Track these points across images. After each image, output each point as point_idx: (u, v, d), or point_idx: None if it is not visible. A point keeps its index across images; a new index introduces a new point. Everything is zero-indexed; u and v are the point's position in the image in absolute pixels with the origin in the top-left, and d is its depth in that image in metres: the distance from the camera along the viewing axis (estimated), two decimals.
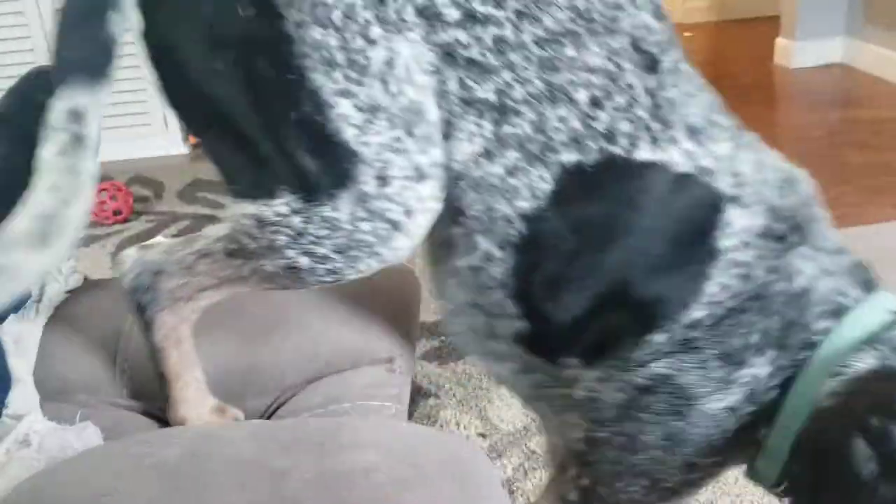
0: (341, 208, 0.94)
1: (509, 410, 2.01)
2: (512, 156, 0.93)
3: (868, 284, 0.95)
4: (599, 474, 1.01)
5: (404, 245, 0.98)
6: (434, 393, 2.09)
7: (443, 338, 2.32)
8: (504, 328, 1.01)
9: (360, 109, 0.91)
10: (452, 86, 0.93)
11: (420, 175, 0.94)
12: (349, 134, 0.91)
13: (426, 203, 0.96)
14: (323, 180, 0.93)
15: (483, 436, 1.93)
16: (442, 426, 1.96)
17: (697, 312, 0.92)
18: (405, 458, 0.71)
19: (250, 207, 0.96)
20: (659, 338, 0.93)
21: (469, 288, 1.01)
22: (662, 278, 0.94)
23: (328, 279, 1.00)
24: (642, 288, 0.94)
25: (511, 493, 1.75)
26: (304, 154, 0.93)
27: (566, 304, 0.96)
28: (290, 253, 0.97)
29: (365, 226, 0.95)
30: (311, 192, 0.94)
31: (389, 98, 0.92)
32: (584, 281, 0.95)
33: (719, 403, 0.92)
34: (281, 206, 0.95)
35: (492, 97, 0.92)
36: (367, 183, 0.93)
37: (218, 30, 0.91)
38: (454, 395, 2.08)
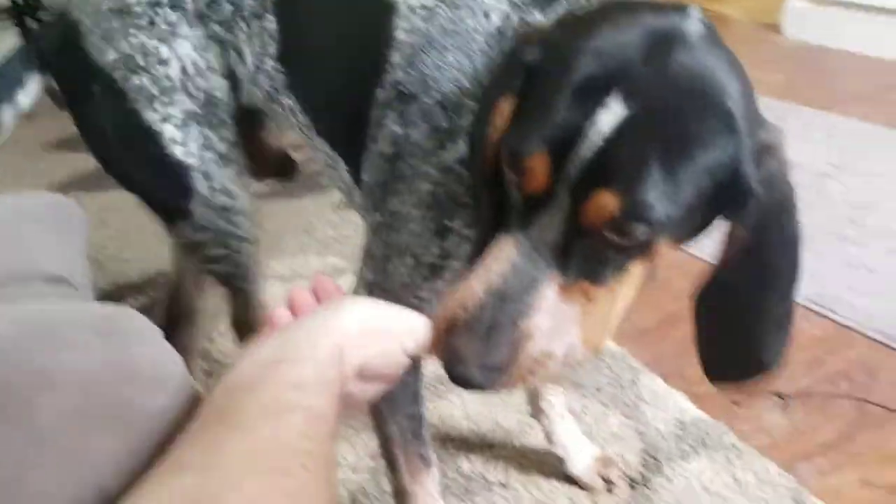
0: (198, 215, 1.23)
1: (232, 346, 1.97)
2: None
3: None
4: (376, 262, 1.08)
5: (245, 223, 1.27)
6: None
7: (151, 293, 2.22)
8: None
9: (177, 127, 1.18)
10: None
11: (224, 160, 1.22)
12: (179, 152, 1.19)
13: (235, 181, 1.24)
14: (177, 203, 1.23)
15: (208, 374, 1.88)
16: None
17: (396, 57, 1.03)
18: (44, 326, 0.66)
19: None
20: (381, 93, 1.04)
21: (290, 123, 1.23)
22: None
23: (231, 271, 1.34)
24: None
25: None
26: (161, 193, 1.26)
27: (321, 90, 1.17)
28: (210, 259, 1.31)
29: (219, 222, 1.24)
30: (178, 215, 1.24)
31: (194, 102, 1.19)
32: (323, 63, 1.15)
33: (454, 154, 0.98)
34: (182, 226, 1.27)
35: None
36: (200, 185, 1.21)
37: (95, 108, 1.22)
38: (172, 343, 1.99)
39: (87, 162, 3.19)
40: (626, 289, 0.80)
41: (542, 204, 0.75)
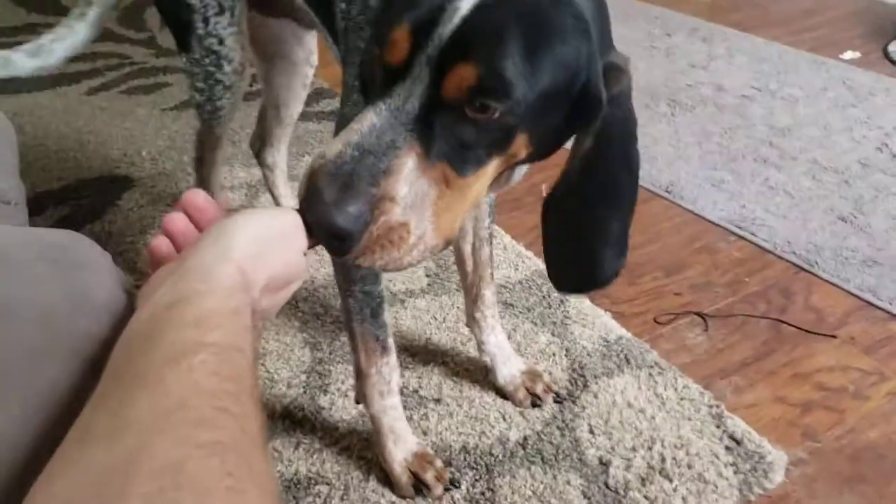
0: (194, 49, 1.45)
1: None
2: None
3: None
4: None
5: (230, 70, 1.49)
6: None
7: (73, 203, 2.15)
8: None
9: None
10: None
11: (222, 8, 1.41)
12: None
13: (227, 30, 1.43)
14: (182, 34, 1.45)
15: (138, 287, 1.84)
16: None
17: None
18: None
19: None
20: None
21: None
22: None
23: (209, 108, 1.57)
24: None
25: None
26: (171, 18, 1.47)
27: None
28: (197, 90, 1.54)
29: (206, 60, 1.47)
30: (182, 44, 1.47)
31: None
32: None
33: None
34: (185, 57, 1.49)
35: None
36: (199, 27, 1.42)
37: None
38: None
39: None
40: (480, 184, 0.84)
41: (402, 75, 0.79)
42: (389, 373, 1.32)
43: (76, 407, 0.58)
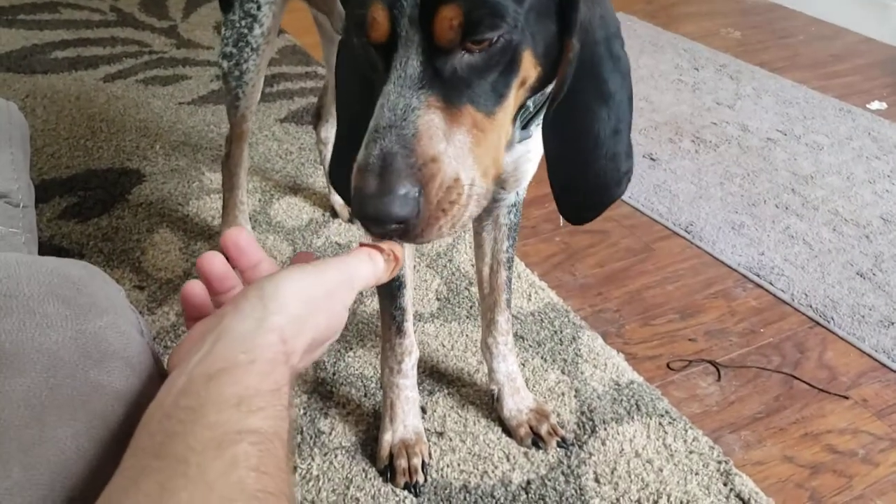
0: (235, 10, 1.63)
1: (166, 258, 1.89)
2: None
3: None
4: None
5: (259, 32, 1.65)
6: (78, 252, 1.90)
7: (81, 193, 2.11)
8: None
9: None
10: None
11: None
12: None
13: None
14: None
15: (140, 288, 1.81)
16: None
17: None
18: (5, 289, 0.60)
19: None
20: None
21: None
22: None
23: (236, 74, 1.69)
24: None
25: (177, 336, 1.67)
26: None
27: None
28: (226, 56, 1.68)
29: (242, 22, 1.63)
30: (225, 5, 1.64)
31: None
32: None
33: None
34: (225, 17, 1.65)
35: None
36: None
37: None
38: (101, 251, 1.90)
39: (17, 37, 3.00)
40: (507, 117, 0.84)
41: (393, 47, 0.78)
42: (402, 353, 1.39)
43: (82, 469, 0.53)
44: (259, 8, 1.62)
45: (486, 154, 0.81)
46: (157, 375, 0.66)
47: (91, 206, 2.06)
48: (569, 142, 0.91)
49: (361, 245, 0.76)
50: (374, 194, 0.73)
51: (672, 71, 2.97)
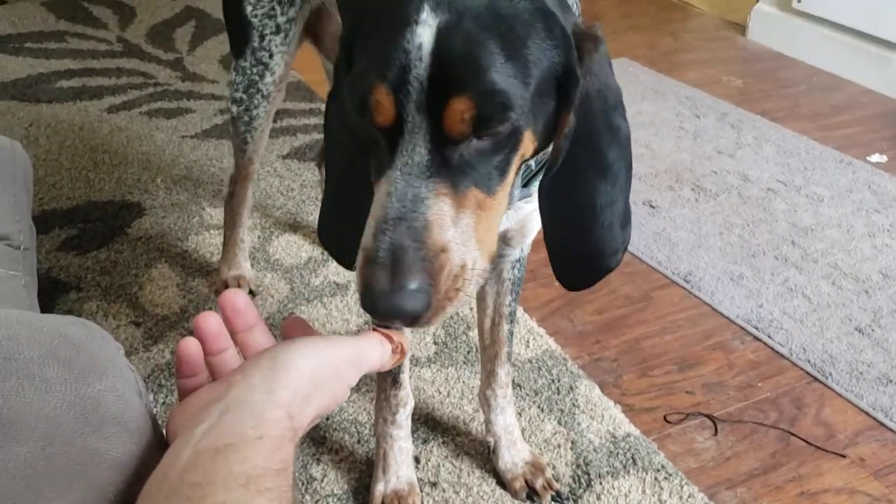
0: (247, 57, 1.64)
1: (163, 294, 1.89)
2: None
3: None
4: None
5: (270, 80, 1.66)
6: (76, 286, 1.89)
7: (81, 225, 2.11)
8: None
9: None
10: None
11: (279, 30, 1.61)
12: (248, 11, 1.59)
13: (279, 48, 1.63)
14: (238, 43, 1.64)
15: (136, 324, 1.80)
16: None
17: None
18: (4, 353, 0.60)
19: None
20: None
21: None
22: None
23: (245, 119, 1.71)
24: None
25: (172, 375, 1.65)
26: (232, 27, 1.64)
27: None
28: (236, 101, 1.70)
29: (254, 69, 1.65)
30: (237, 52, 1.65)
31: None
32: None
33: None
34: (236, 63, 1.67)
35: None
36: (255, 40, 1.62)
37: None
38: (98, 285, 1.90)
39: (23, 65, 3.01)
40: (506, 193, 0.84)
41: (398, 132, 0.77)
42: (396, 405, 1.37)
43: None
44: (271, 56, 1.63)
45: (486, 232, 0.82)
46: (156, 442, 0.65)
47: (90, 238, 2.06)
48: (565, 210, 0.91)
49: (375, 329, 0.76)
50: (385, 291, 0.73)
51: (673, 118, 2.99)
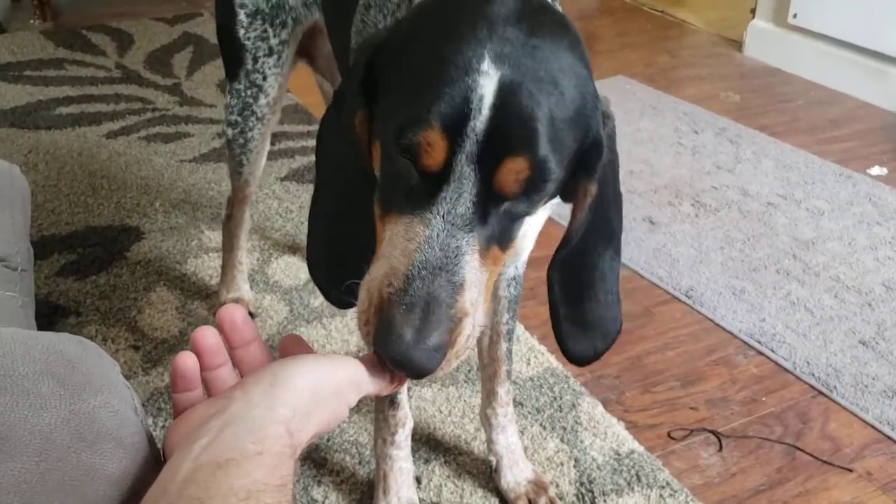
0: (241, 80, 1.63)
1: (162, 317, 1.88)
2: None
3: None
4: None
5: (264, 102, 1.66)
6: (74, 310, 1.89)
7: (80, 250, 2.11)
8: None
9: (247, 15, 1.57)
10: None
11: (271, 52, 1.60)
12: (241, 34, 1.58)
13: (272, 70, 1.62)
14: (232, 66, 1.63)
15: (135, 347, 1.79)
16: None
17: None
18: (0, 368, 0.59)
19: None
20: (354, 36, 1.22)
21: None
22: None
23: (241, 142, 1.70)
24: None
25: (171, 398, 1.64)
26: (225, 50, 1.64)
27: None
28: (230, 124, 1.70)
29: (248, 92, 1.64)
30: (231, 74, 1.65)
31: (265, 2, 1.56)
32: None
33: None
34: (230, 85, 1.67)
35: None
36: (248, 62, 1.61)
37: None
38: (97, 309, 1.89)
39: (22, 92, 3.03)
40: (513, 248, 0.84)
41: (444, 179, 0.75)
42: (395, 425, 1.35)
43: None
44: (265, 79, 1.63)
45: (490, 285, 0.82)
46: (152, 457, 0.65)
47: (89, 263, 2.05)
48: (574, 283, 0.91)
49: (376, 353, 0.75)
50: (407, 340, 0.71)
51: (671, 134, 2.99)
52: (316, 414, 0.67)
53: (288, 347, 0.77)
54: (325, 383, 0.69)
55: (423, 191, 0.77)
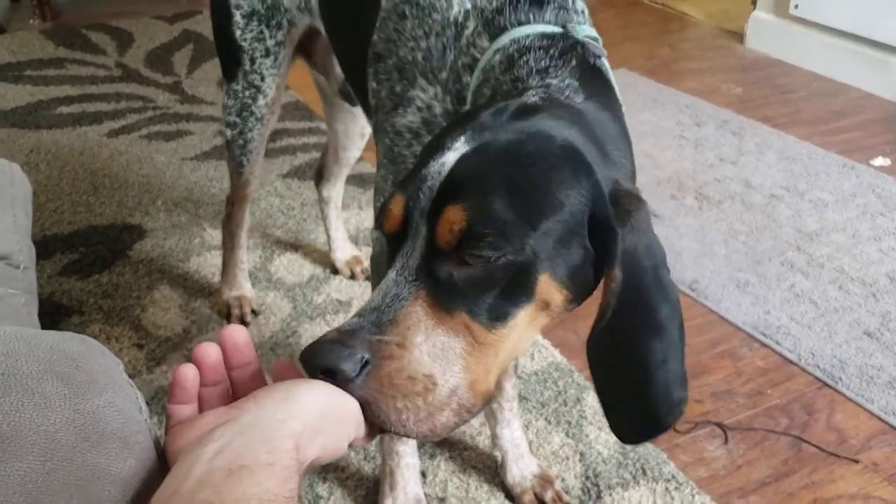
0: (238, 80, 1.64)
1: (165, 315, 1.88)
2: None
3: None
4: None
5: (263, 103, 1.66)
6: (78, 309, 1.89)
7: (82, 249, 2.11)
8: None
9: (243, 17, 1.57)
10: None
11: (268, 53, 1.60)
12: (238, 35, 1.58)
13: (269, 70, 1.62)
14: (230, 67, 1.64)
15: (139, 346, 1.79)
16: None
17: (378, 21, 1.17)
18: (3, 367, 0.59)
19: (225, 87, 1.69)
20: (369, 51, 1.19)
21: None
22: None
23: (240, 143, 1.71)
24: None
25: None
26: (223, 51, 1.65)
27: None
28: (229, 125, 1.71)
29: (246, 92, 1.64)
30: (229, 75, 1.66)
31: (261, 3, 1.55)
32: None
33: (403, 120, 1.12)
34: (228, 86, 1.67)
35: None
36: (246, 63, 1.61)
37: None
38: (101, 308, 1.89)
39: (22, 92, 3.02)
40: (516, 336, 0.81)
41: (403, 237, 0.81)
42: (401, 443, 1.35)
43: None
44: (263, 79, 1.63)
45: (478, 364, 0.79)
46: (156, 457, 0.64)
47: (92, 262, 2.05)
48: (617, 367, 0.87)
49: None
50: (324, 341, 0.74)
51: (674, 127, 2.98)
52: (322, 435, 0.67)
53: (282, 373, 0.77)
54: (334, 408, 0.70)
55: (391, 256, 0.83)
